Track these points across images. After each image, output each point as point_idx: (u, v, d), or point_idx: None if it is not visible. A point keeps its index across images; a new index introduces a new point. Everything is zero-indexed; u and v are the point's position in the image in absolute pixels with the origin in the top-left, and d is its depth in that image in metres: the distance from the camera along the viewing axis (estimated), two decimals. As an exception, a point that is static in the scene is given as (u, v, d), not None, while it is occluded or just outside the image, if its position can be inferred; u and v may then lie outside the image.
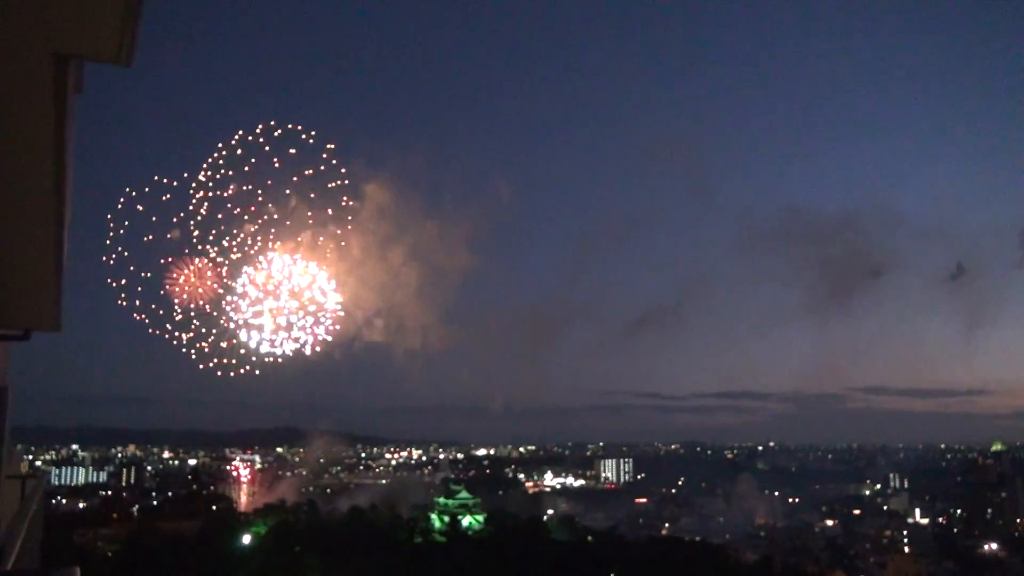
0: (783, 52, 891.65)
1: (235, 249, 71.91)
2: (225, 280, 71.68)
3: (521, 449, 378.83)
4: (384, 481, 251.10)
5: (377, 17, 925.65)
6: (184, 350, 72.05)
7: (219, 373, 73.05)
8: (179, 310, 70.96)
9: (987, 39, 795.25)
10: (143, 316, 70.63)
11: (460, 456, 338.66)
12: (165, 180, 70.69)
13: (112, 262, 69.30)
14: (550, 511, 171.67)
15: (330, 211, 75.62)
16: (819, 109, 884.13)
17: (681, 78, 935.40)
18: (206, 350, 72.41)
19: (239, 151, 71.45)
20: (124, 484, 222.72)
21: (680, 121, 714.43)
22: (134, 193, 69.97)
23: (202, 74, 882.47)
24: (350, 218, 77.78)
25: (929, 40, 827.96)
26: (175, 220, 70.89)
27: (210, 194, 71.07)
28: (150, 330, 70.86)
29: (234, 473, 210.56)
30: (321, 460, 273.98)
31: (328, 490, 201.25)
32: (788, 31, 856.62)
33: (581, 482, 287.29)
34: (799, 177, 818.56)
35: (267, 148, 71.73)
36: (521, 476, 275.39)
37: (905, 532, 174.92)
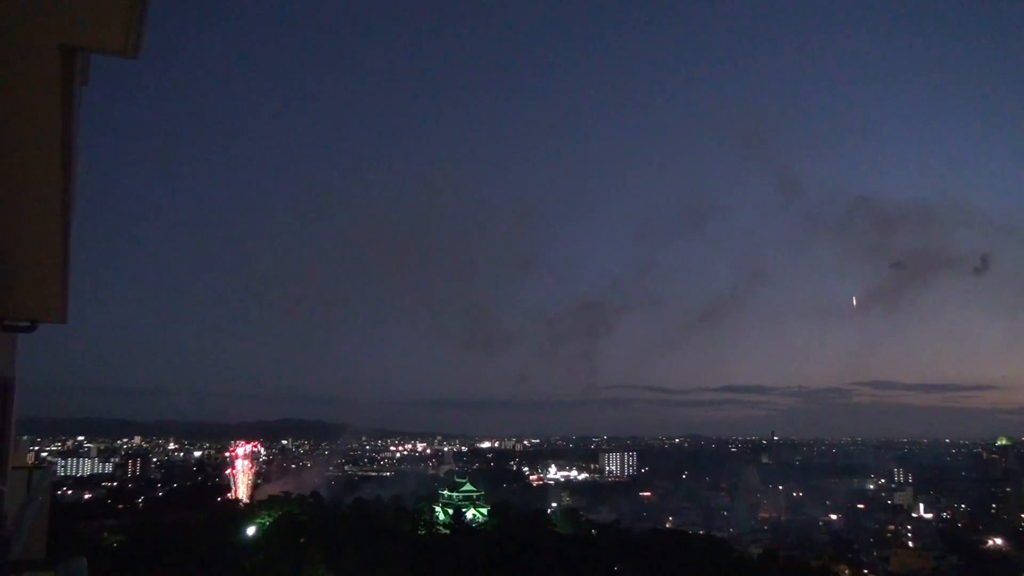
0: (850, 41, 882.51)
1: None
2: None
3: (525, 442, 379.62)
4: (389, 474, 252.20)
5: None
6: None
7: None
8: None
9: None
10: None
11: (464, 449, 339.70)
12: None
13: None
14: (554, 504, 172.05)
15: None
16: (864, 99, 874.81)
17: (750, 66, 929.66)
18: None
19: None
20: (130, 475, 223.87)
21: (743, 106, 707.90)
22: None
23: (218, 65, 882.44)
24: None
25: (999, 32, 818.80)
26: None
27: None
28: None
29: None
30: (326, 452, 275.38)
31: (332, 482, 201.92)
32: (859, 22, 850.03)
33: (585, 475, 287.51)
34: (816, 173, 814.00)
35: None
36: (525, 469, 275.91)
37: (909, 527, 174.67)
